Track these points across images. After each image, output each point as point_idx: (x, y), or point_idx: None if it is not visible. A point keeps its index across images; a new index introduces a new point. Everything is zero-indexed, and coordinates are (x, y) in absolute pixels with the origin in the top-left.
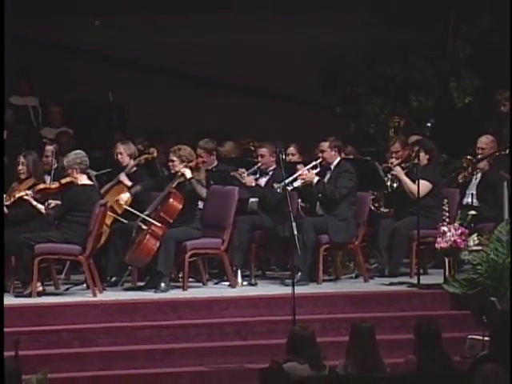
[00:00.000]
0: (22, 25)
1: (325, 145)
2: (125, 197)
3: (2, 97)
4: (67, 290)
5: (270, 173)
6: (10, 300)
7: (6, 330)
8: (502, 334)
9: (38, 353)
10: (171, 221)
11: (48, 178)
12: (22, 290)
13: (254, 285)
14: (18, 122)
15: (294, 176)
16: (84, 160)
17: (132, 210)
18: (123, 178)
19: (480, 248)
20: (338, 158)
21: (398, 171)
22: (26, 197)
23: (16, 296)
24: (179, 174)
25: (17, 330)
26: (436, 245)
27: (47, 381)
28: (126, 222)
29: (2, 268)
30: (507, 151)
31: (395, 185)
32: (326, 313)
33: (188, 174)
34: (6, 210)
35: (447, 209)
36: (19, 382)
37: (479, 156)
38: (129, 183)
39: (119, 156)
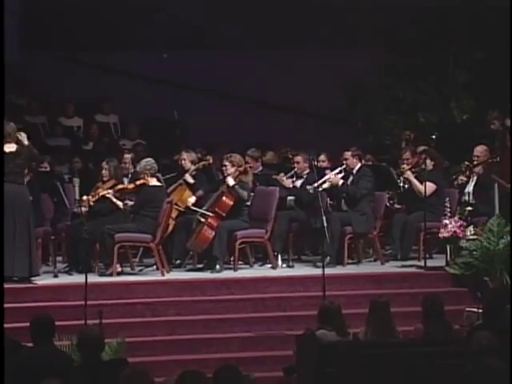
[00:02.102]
0: (106, 56)
1: (348, 153)
2: (192, 200)
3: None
4: (141, 270)
5: (305, 176)
6: (95, 278)
7: (91, 302)
8: (493, 308)
9: (117, 321)
10: (224, 215)
11: (126, 180)
12: (104, 270)
13: (292, 267)
14: (101, 135)
15: (324, 179)
16: (153, 166)
17: (194, 207)
18: (188, 177)
19: (475, 237)
20: (359, 164)
21: (409, 175)
22: (107, 195)
23: (100, 275)
24: (224, 184)
25: (100, 302)
26: (439, 234)
27: (125, 344)
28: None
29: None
30: (498, 159)
31: (406, 186)
32: (349, 290)
33: (231, 182)
34: (92, 204)
35: (449, 205)
36: (103, 345)
37: (475, 162)
38: (191, 181)
39: (183, 162)
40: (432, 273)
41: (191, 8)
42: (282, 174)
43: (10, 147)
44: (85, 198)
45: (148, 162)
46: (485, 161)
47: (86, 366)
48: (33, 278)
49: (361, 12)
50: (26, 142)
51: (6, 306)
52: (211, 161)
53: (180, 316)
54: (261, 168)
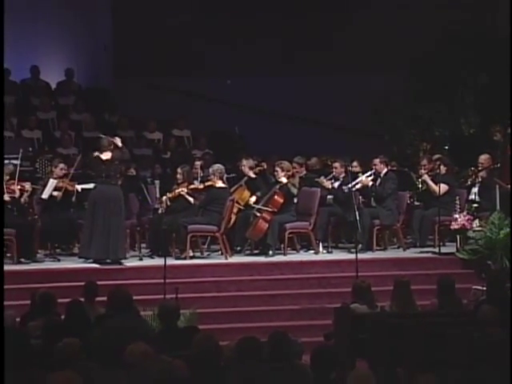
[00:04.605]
0: (182, 82)
1: (377, 160)
2: (252, 199)
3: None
4: (208, 255)
5: (341, 179)
6: (172, 261)
7: (169, 280)
8: (495, 286)
9: (189, 296)
10: (276, 210)
11: (196, 182)
12: (179, 255)
13: (331, 252)
14: (177, 146)
15: (357, 181)
16: (222, 171)
17: (252, 204)
18: (251, 173)
19: (480, 229)
20: (386, 169)
21: (426, 178)
22: (182, 192)
23: (176, 259)
24: (280, 180)
25: (176, 281)
26: (451, 226)
27: (196, 314)
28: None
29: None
30: (498, 165)
31: (424, 187)
32: (377, 271)
33: (284, 180)
34: (169, 202)
35: (458, 203)
36: (178, 315)
37: (480, 168)
38: (253, 176)
39: (243, 167)
40: (445, 257)
41: (247, 43)
42: (323, 177)
43: (106, 155)
44: (164, 198)
45: (219, 167)
46: (488, 167)
47: (164, 332)
48: (122, 261)
49: (389, 43)
50: (119, 145)
51: (100, 283)
52: (265, 166)
53: (240, 292)
54: (305, 172)
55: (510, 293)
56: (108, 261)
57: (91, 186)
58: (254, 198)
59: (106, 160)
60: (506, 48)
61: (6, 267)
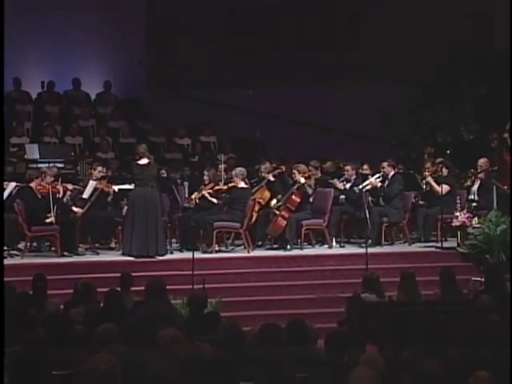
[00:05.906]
0: (208, 93)
1: (385, 163)
2: (273, 202)
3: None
4: (232, 249)
5: (352, 180)
6: (199, 255)
7: (197, 272)
8: (492, 277)
9: (215, 286)
10: (293, 209)
11: (220, 183)
12: (206, 249)
13: (343, 247)
14: (204, 151)
15: (366, 182)
16: (244, 173)
17: (272, 204)
18: (270, 177)
19: (479, 225)
20: (393, 172)
21: (429, 179)
22: (206, 194)
23: (203, 253)
24: (297, 182)
25: (203, 272)
26: (452, 223)
27: (221, 302)
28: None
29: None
30: (496, 168)
31: (428, 188)
32: (385, 264)
33: (302, 180)
34: (197, 201)
35: (459, 202)
36: (206, 303)
37: (478, 170)
38: (272, 179)
39: (262, 173)
40: (447, 252)
41: (267, 56)
42: (336, 179)
43: (143, 161)
44: (193, 196)
45: (241, 169)
46: (486, 169)
47: (193, 318)
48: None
49: (396, 59)
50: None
51: (135, 274)
52: (284, 169)
53: (261, 282)
54: (320, 174)
55: (506, 283)
56: (151, 254)
57: (127, 186)
58: (274, 201)
59: (143, 165)
60: (503, 62)
61: (51, 260)
